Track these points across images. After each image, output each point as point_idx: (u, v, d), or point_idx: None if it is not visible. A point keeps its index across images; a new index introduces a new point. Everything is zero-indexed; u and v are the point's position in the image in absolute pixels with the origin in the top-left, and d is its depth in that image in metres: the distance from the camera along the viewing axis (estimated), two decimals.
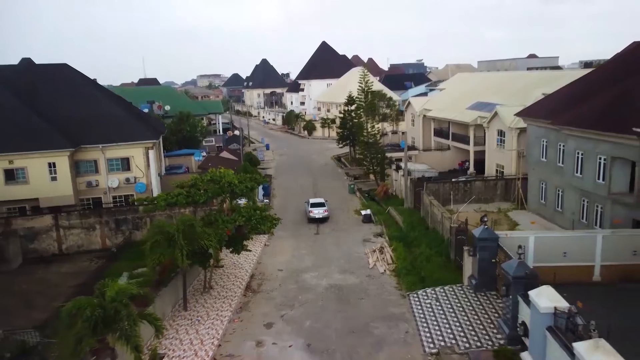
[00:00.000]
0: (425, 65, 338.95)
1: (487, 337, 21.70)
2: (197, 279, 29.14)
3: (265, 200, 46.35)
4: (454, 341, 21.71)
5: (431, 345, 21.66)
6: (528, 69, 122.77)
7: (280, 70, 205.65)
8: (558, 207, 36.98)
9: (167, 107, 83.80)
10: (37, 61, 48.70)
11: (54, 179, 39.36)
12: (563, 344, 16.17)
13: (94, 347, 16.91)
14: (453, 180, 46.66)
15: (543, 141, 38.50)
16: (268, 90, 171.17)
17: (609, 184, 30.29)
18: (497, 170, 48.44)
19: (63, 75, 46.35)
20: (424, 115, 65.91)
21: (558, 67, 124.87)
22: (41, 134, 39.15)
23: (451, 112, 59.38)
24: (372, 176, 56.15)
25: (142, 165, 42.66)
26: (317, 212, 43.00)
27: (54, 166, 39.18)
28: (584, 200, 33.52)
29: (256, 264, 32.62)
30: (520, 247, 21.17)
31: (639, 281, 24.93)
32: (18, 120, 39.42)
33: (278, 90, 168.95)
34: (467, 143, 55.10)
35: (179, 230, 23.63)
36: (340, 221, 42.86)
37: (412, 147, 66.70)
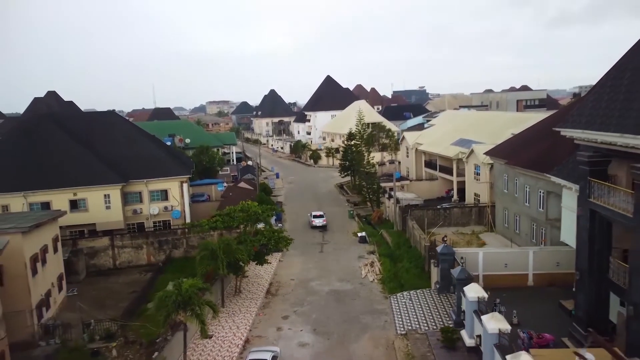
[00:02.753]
0: (427, 92, 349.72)
1: (441, 323, 30.40)
2: (230, 286, 37.96)
3: (279, 225, 55.22)
4: (417, 326, 30.45)
5: (401, 329, 30.37)
6: (518, 101, 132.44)
7: (287, 96, 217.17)
8: (517, 229, 45.67)
9: (188, 140, 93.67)
10: (57, 90, 58.56)
11: (108, 207, 48.63)
12: (479, 318, 24.89)
13: (173, 321, 25.89)
14: (438, 207, 55.64)
15: (505, 176, 47.43)
16: (276, 119, 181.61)
17: (546, 211, 39.18)
18: (474, 198, 57.26)
19: (111, 121, 56.13)
20: (416, 149, 75.12)
21: (544, 99, 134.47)
22: (99, 172, 48.53)
23: (438, 146, 68.50)
24: (369, 203, 65.06)
25: (178, 196, 51.89)
26: (318, 222, 57.48)
27: (109, 197, 48.50)
28: (533, 224, 42.27)
29: (273, 275, 41.51)
30: (462, 257, 30.03)
31: (561, 285, 33.51)
32: (80, 161, 48.84)
33: (285, 119, 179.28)
34: (452, 174, 64.08)
35: (220, 247, 32.67)
36: (340, 242, 51.71)
37: (406, 177, 75.80)
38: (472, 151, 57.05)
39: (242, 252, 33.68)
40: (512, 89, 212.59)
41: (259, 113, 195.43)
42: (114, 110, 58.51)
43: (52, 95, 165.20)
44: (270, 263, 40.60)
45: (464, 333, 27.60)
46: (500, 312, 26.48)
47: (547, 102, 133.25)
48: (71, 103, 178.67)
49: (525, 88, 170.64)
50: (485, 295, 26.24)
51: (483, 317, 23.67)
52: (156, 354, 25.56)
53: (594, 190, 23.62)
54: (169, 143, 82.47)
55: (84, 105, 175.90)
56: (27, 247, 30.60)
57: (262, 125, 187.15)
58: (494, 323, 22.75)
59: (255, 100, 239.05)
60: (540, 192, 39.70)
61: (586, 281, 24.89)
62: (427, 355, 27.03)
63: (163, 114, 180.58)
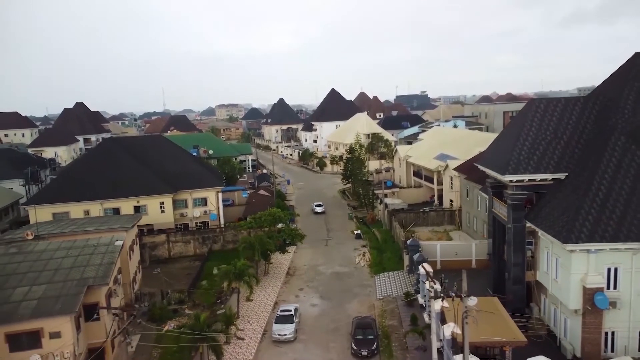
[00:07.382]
0: (428, 96, 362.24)
1: (406, 291, 44.87)
2: (260, 269, 52.65)
3: (294, 225, 69.80)
4: (391, 293, 45.01)
5: (380, 295, 44.95)
6: (504, 112, 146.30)
7: (293, 98, 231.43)
8: (475, 228, 60.02)
9: (211, 151, 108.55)
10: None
11: (162, 212, 63.41)
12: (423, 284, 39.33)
13: (230, 287, 40.65)
14: (419, 210, 70.02)
15: (467, 186, 61.78)
16: (285, 126, 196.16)
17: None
18: (450, 203, 71.54)
19: (160, 143, 70.99)
20: (407, 160, 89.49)
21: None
22: (155, 184, 63.32)
23: (423, 159, 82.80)
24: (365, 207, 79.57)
25: (214, 202, 66.61)
26: (319, 209, 77.87)
27: (163, 204, 63.27)
28: (484, 225, 56.56)
29: (290, 262, 56.17)
30: (420, 247, 44.47)
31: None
32: (141, 176, 63.64)
33: (293, 126, 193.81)
34: (433, 183, 78.34)
35: (256, 240, 47.38)
36: (341, 238, 66.31)
37: (398, 185, 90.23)
38: (447, 165, 71.41)
39: (271, 244, 48.38)
40: (509, 95, 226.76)
41: (269, 120, 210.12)
42: (153, 133, 72.29)
43: (80, 106, 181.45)
44: (289, 252, 55.40)
45: (419, 296, 42.08)
46: (443, 282, 40.84)
47: None
48: (97, 113, 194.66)
49: (513, 97, 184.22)
50: (431, 271, 40.65)
51: (426, 282, 38.15)
52: (223, 305, 40.26)
53: (493, 204, 38.03)
54: (194, 154, 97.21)
55: (91, 107, 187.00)
56: (128, 240, 45.42)
57: (271, 132, 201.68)
58: (428, 284, 37.20)
59: (262, 102, 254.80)
60: (486, 200, 54.03)
61: (493, 261, 39.30)
62: (394, 310, 41.62)
63: (179, 121, 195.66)
